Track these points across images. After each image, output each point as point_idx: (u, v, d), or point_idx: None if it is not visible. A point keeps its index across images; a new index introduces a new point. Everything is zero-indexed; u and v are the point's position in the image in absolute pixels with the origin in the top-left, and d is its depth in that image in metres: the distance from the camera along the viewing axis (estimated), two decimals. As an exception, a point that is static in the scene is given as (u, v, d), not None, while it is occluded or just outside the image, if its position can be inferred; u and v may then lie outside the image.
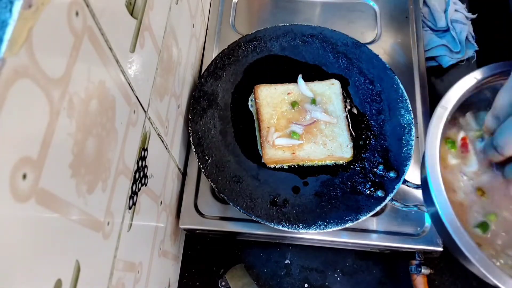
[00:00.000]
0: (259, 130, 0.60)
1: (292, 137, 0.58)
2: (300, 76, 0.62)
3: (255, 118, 0.62)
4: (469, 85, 0.46)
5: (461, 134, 0.47)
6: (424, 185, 0.43)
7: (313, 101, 0.61)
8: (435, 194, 0.40)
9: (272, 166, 0.58)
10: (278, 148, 0.58)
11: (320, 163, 0.58)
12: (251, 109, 0.63)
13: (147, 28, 0.40)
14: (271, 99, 0.61)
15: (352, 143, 0.58)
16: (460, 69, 0.79)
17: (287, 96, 0.61)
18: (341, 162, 0.58)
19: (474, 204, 0.44)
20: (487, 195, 0.45)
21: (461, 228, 0.39)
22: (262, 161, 0.59)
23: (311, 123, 0.59)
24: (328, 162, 0.58)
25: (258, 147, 0.60)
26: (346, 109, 0.62)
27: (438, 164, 0.41)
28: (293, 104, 0.60)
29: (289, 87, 0.62)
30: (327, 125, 0.59)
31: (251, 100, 0.63)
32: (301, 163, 0.58)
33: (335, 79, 0.63)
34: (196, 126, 0.59)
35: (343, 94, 0.62)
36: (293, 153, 0.57)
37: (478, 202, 0.44)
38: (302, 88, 0.61)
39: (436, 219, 0.40)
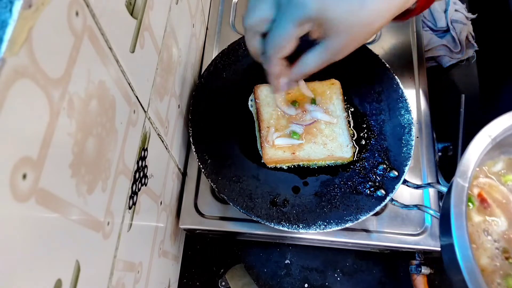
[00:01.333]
0: (259, 130, 0.60)
1: (292, 137, 0.58)
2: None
3: (255, 118, 0.62)
4: (483, 146, 0.40)
5: (476, 189, 0.43)
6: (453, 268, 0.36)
7: (313, 101, 0.61)
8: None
9: (272, 166, 0.58)
10: (278, 148, 0.58)
11: (320, 163, 0.58)
12: (251, 109, 0.63)
13: (147, 28, 0.40)
14: (271, 99, 0.61)
15: (352, 143, 0.58)
16: (460, 69, 0.79)
17: (287, 96, 0.61)
18: (341, 162, 0.58)
19: (499, 269, 0.39)
20: None
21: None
22: (262, 161, 0.58)
23: (311, 123, 0.59)
24: (328, 162, 0.58)
25: (258, 147, 0.60)
26: (348, 110, 0.62)
27: (469, 248, 0.35)
28: (293, 103, 0.60)
29: None
30: (327, 125, 0.59)
31: (251, 100, 0.63)
32: (301, 163, 0.58)
33: (335, 79, 0.63)
34: (196, 126, 0.59)
35: (343, 94, 0.62)
36: (293, 153, 0.57)
37: (503, 266, 0.39)
38: (302, 87, 0.61)
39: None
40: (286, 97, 0.61)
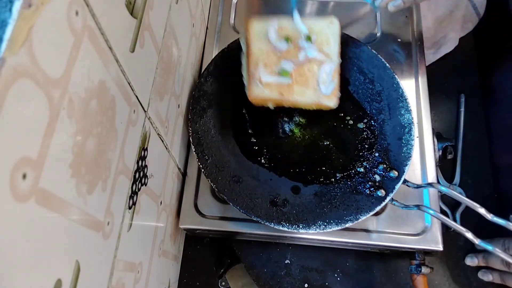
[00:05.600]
0: (247, 67, 0.56)
1: (281, 74, 0.54)
2: (295, 10, 0.57)
3: (245, 54, 0.58)
4: None
5: None
6: None
7: (308, 38, 0.56)
8: None
9: (260, 106, 0.56)
10: (265, 86, 0.55)
11: (305, 109, 0.57)
12: (242, 46, 0.59)
13: (147, 28, 0.40)
14: (263, 34, 0.57)
15: (340, 94, 0.56)
16: (461, 68, 0.79)
17: (279, 30, 0.57)
18: (325, 109, 0.56)
19: None
20: None
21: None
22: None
23: (303, 62, 0.55)
24: (313, 108, 0.57)
25: (245, 86, 0.57)
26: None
27: None
28: (286, 39, 0.56)
29: (283, 21, 0.57)
30: (320, 67, 0.55)
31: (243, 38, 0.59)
32: (286, 106, 0.56)
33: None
34: (196, 125, 0.59)
35: (341, 36, 0.58)
36: (281, 94, 0.55)
37: None
38: (296, 21, 0.56)
39: None
40: (279, 32, 0.57)
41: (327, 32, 0.57)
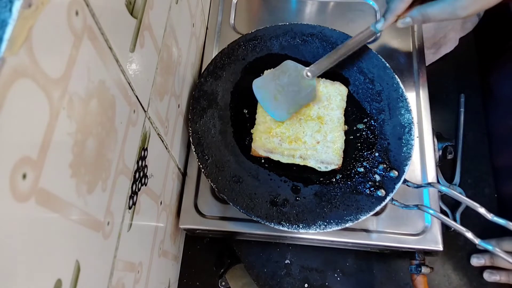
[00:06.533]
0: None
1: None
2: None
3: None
4: None
5: None
6: None
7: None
8: None
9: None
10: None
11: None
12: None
13: (147, 28, 0.40)
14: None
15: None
16: (461, 68, 0.79)
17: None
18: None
19: None
20: None
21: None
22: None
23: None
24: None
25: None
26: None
27: None
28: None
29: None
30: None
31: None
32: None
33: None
34: (196, 125, 0.59)
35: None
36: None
37: None
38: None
39: None
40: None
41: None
